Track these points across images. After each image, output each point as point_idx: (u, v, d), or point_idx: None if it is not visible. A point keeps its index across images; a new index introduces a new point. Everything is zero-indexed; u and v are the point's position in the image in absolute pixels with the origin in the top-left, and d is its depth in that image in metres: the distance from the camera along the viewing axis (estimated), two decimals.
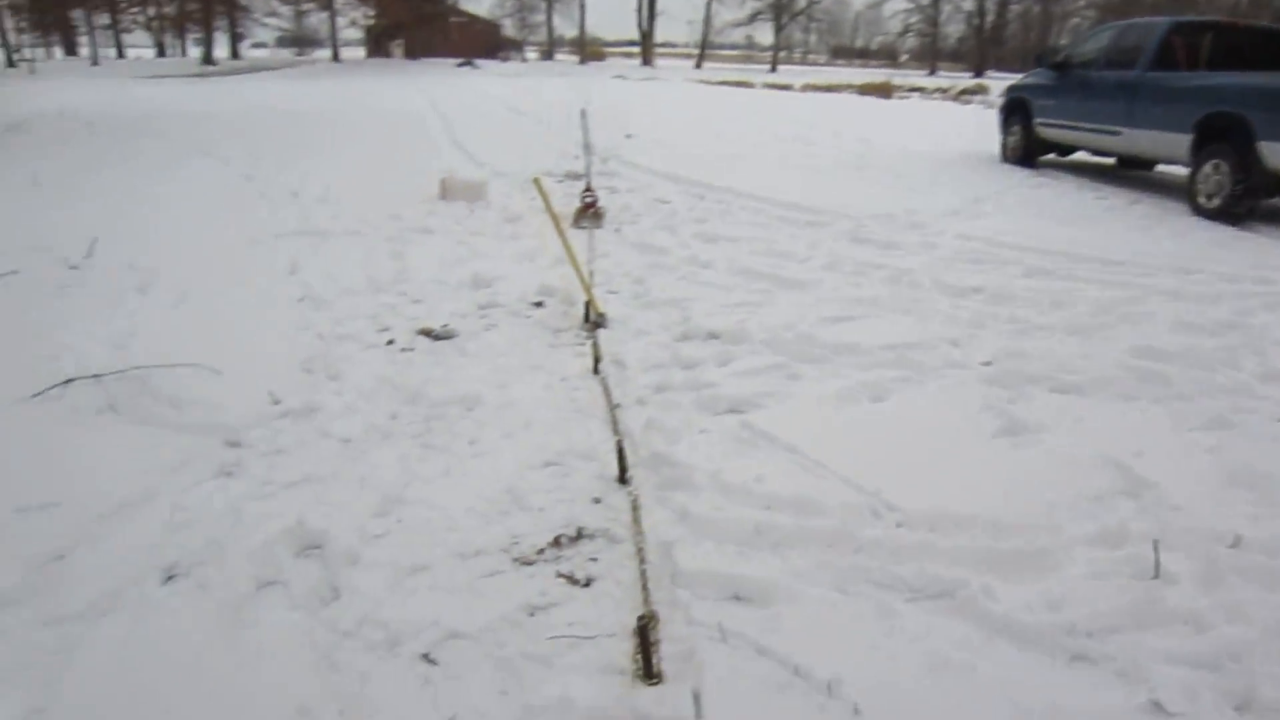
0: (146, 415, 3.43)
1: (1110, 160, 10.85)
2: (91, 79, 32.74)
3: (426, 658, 2.14)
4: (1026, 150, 11.10)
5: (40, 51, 62.11)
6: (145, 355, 3.95)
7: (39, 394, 3.56)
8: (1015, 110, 11.42)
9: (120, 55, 60.62)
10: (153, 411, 3.46)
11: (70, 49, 63.37)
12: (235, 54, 59.16)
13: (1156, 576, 2.51)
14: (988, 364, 4.11)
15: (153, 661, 2.07)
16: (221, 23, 56.38)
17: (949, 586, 2.46)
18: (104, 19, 59.68)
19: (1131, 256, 6.20)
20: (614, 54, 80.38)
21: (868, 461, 3.11)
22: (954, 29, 74.60)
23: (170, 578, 2.41)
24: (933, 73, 65.33)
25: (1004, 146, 11.67)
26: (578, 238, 6.34)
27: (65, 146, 11.34)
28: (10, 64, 44.16)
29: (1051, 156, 11.28)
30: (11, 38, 47.19)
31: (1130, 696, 2.08)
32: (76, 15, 58.39)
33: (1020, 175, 10.39)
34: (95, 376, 3.70)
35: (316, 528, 2.62)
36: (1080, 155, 10.97)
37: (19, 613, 2.24)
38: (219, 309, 4.71)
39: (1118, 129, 9.22)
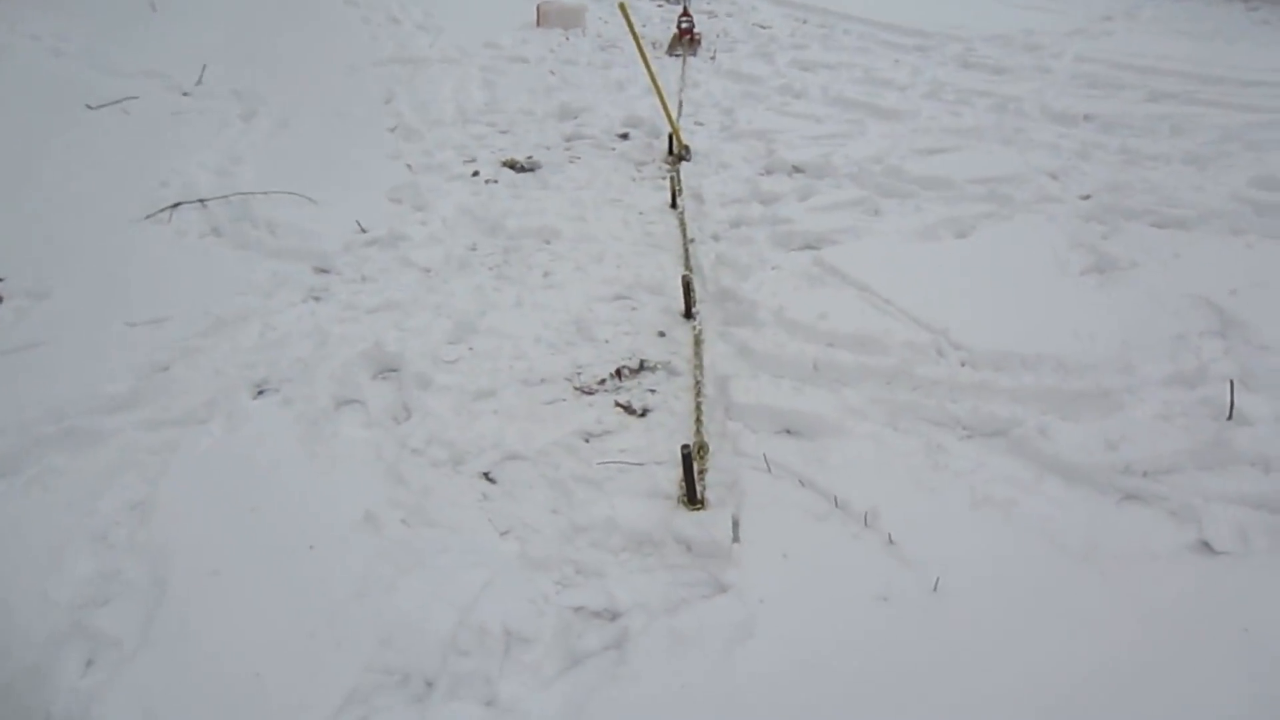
0: (246, 239, 3.63)
1: None
2: None
3: (486, 476, 2.30)
4: None
5: None
6: (247, 182, 4.14)
7: (150, 216, 3.81)
8: None
9: None
10: (251, 236, 3.65)
11: None
12: None
13: (1230, 418, 2.45)
14: (1086, 198, 3.91)
15: (240, 466, 2.30)
16: None
17: (1004, 425, 2.47)
18: None
19: (1272, 76, 5.61)
20: None
21: (939, 300, 3.06)
22: None
23: (260, 393, 2.63)
24: None
25: None
26: (672, 66, 6.20)
27: None
28: None
29: None
30: None
31: (1178, 535, 2.10)
32: None
33: None
34: (201, 201, 3.93)
35: (393, 352, 2.78)
36: None
37: (128, 416, 2.50)
38: (316, 138, 4.84)
39: None
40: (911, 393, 2.63)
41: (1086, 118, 4.94)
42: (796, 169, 4.28)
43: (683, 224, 3.71)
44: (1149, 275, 3.24)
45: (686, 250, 3.48)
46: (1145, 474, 2.28)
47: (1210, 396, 2.53)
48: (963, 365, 2.76)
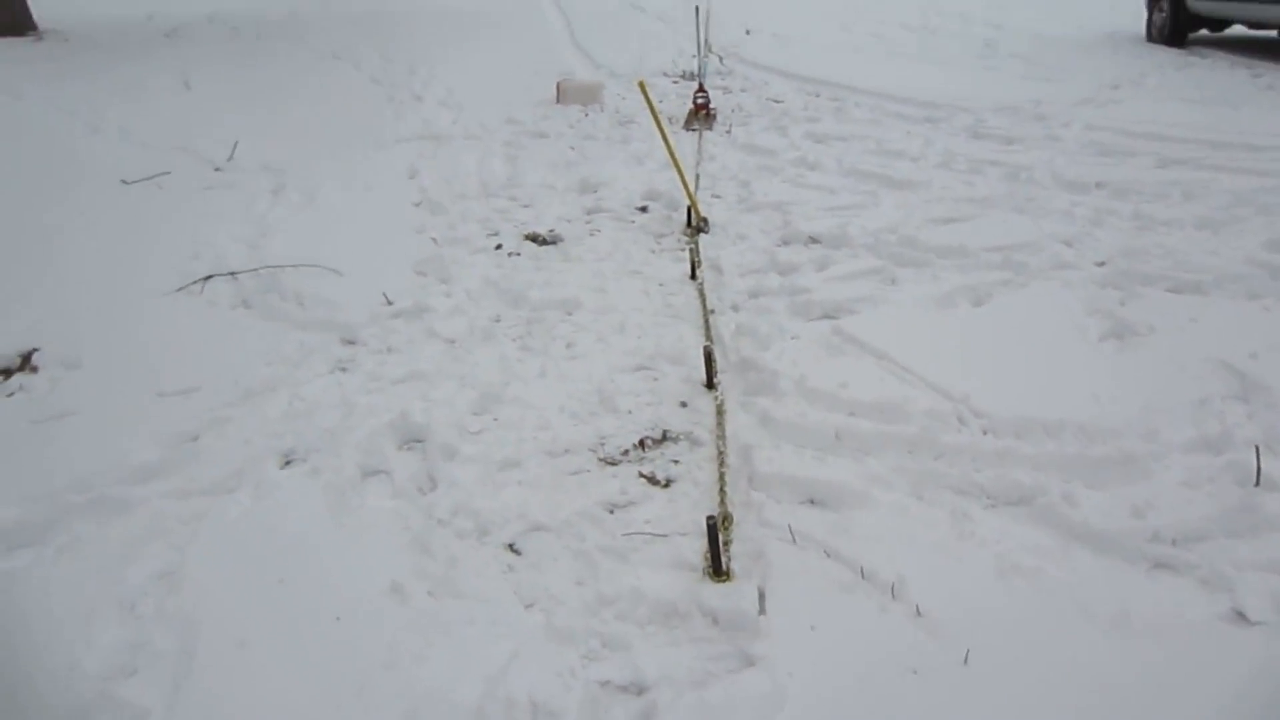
0: (274, 311, 3.71)
1: (1272, 34, 9.86)
2: None
3: (511, 547, 2.31)
4: (1175, 27, 10.23)
5: None
6: (276, 254, 4.23)
7: (182, 288, 3.91)
8: None
9: None
10: (280, 308, 3.73)
11: None
12: None
13: (1257, 484, 2.44)
14: (1101, 264, 3.95)
15: (267, 536, 2.32)
16: None
17: (1028, 493, 2.47)
18: None
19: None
20: None
21: (959, 367, 3.08)
22: None
23: (287, 462, 2.66)
24: None
25: (1149, 25, 10.78)
26: (688, 140, 6.34)
27: (214, 50, 11.86)
28: None
29: (1203, 33, 10.40)
30: None
31: (1211, 605, 2.08)
32: None
33: (1166, 56, 9.60)
34: (231, 274, 4.02)
35: (419, 422, 2.82)
36: (1236, 29, 10.02)
37: (157, 485, 2.53)
38: (343, 212, 4.96)
39: None
40: (934, 461, 2.64)
41: (1098, 185, 5.01)
42: (813, 239, 4.34)
43: (702, 295, 3.76)
44: (1168, 340, 3.25)
45: (707, 321, 3.52)
46: (1174, 542, 2.27)
47: (1236, 462, 2.53)
48: (985, 433, 2.76)
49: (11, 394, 3.09)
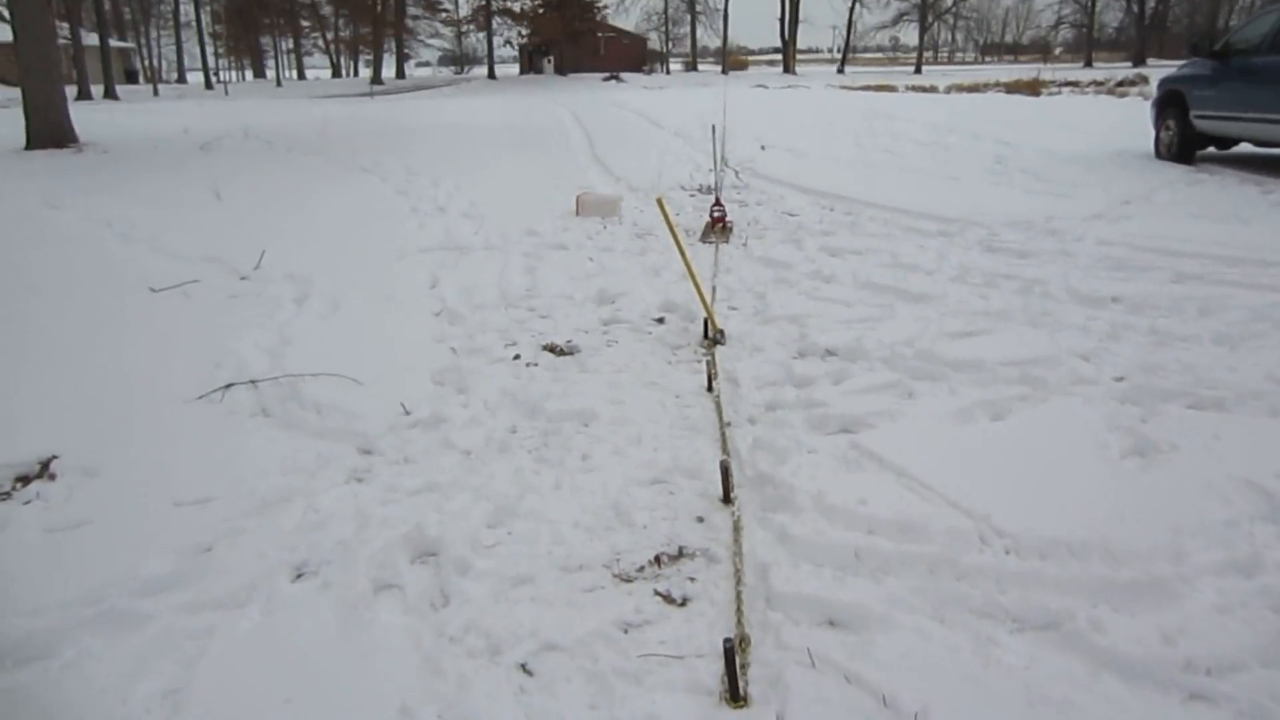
0: (293, 420, 3.73)
1: (1279, 151, 10.08)
2: (275, 99, 35.39)
3: (523, 668, 2.26)
4: (1183, 145, 10.49)
5: (233, 74, 67.82)
6: (297, 363, 4.29)
7: (203, 396, 3.94)
8: (1169, 104, 10.86)
9: (301, 76, 65.10)
10: (299, 417, 3.76)
11: (259, 71, 68.60)
12: (400, 73, 62.44)
13: None
14: (1120, 379, 3.93)
15: (277, 653, 2.27)
16: (389, 44, 59.71)
17: (1055, 618, 2.39)
18: (288, 44, 64.44)
19: None
20: (757, 62, 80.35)
21: (979, 484, 3.04)
22: (1111, 17, 70.99)
23: (299, 575, 2.63)
24: (1088, 65, 62.31)
25: (1158, 142, 11.06)
26: (705, 252, 6.46)
27: (246, 162, 12.34)
28: (208, 86, 48.34)
29: (1211, 151, 10.66)
30: (211, 61, 51.64)
31: None
32: (265, 41, 63.44)
33: (1175, 172, 9.79)
34: (252, 382, 4.06)
35: (433, 535, 2.79)
36: (1244, 147, 10.26)
37: (168, 598, 2.50)
38: (364, 321, 5.05)
39: None
40: (956, 583, 2.58)
41: (1114, 299, 5.04)
42: (829, 352, 4.37)
43: (719, 407, 3.77)
44: (1192, 459, 3.21)
45: (723, 434, 3.51)
46: (1209, 671, 2.19)
47: (1269, 586, 2.46)
48: (1008, 553, 2.71)
49: (28, 501, 3.10)
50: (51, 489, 3.17)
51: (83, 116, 17.01)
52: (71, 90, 26.83)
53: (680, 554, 2.77)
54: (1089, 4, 69.08)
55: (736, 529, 2.85)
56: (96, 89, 38.25)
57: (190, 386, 4.02)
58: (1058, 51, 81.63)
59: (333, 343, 4.65)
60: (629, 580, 2.63)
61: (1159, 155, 10.95)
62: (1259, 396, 3.64)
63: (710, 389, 4.01)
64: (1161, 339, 4.40)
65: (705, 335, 4.65)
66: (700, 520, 2.96)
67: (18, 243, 7.17)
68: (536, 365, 4.37)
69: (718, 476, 3.10)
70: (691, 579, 2.64)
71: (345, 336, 4.76)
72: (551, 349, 4.56)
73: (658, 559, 2.74)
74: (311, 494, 3.10)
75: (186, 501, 3.04)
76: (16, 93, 15.09)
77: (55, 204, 8.84)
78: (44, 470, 3.29)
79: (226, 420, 3.74)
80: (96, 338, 4.78)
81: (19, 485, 3.22)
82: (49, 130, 14.00)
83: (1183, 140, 10.50)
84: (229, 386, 4.01)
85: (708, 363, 4.23)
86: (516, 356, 4.47)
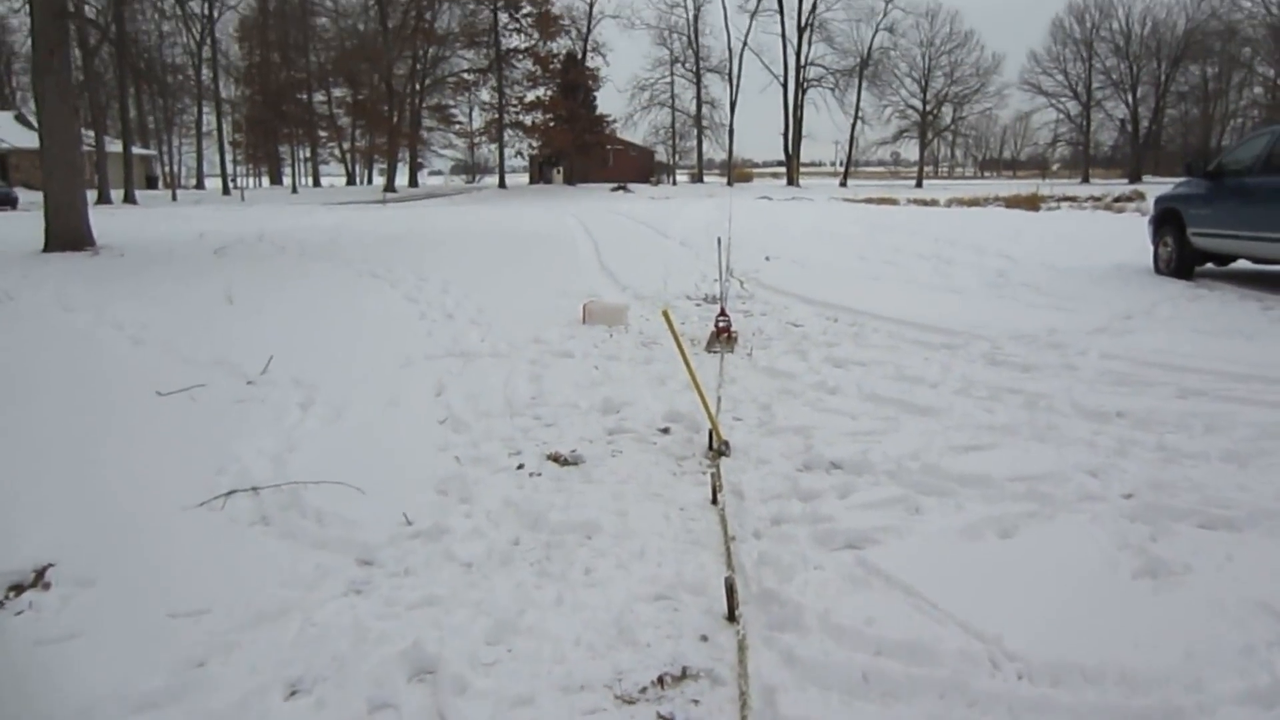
0: (293, 529, 3.69)
1: (1277, 268, 10.25)
2: (290, 205, 36.29)
3: None
4: (1181, 261, 10.69)
5: (250, 180, 69.87)
6: (300, 470, 4.27)
7: (204, 503, 3.91)
8: (1166, 221, 11.14)
9: (316, 183, 66.93)
10: (299, 526, 3.72)
11: (275, 178, 70.61)
12: (414, 181, 64.17)
13: None
14: (1128, 497, 3.90)
15: None
16: (404, 154, 61.59)
17: None
18: (305, 152, 66.57)
19: None
20: (761, 174, 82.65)
21: (989, 604, 2.99)
22: (1106, 136, 73.31)
23: (293, 693, 2.57)
24: (1085, 181, 64.03)
25: (1157, 258, 11.28)
26: (710, 362, 6.50)
27: (259, 267, 12.57)
28: (226, 191, 49.70)
29: (1209, 266, 10.84)
30: (229, 168, 53.25)
31: None
32: (283, 150, 65.58)
33: (1175, 287, 9.91)
34: (254, 489, 4.04)
35: (431, 652, 2.73)
36: (1242, 264, 10.43)
37: (157, 715, 2.43)
38: (369, 428, 5.05)
39: None
40: (967, 709, 2.50)
41: (1119, 414, 5.03)
42: (835, 465, 4.35)
43: (724, 521, 3.73)
44: (1204, 580, 3.15)
45: (728, 548, 3.47)
46: None
47: None
48: (1020, 678, 2.64)
49: (20, 612, 3.05)
50: (45, 599, 3.12)
51: (101, 220, 17.44)
52: (92, 194, 27.60)
53: (684, 675, 2.70)
54: (1084, 123, 71.41)
55: (741, 649, 2.78)
56: (116, 193, 39.31)
57: (192, 493, 4.00)
58: (1055, 167, 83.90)
59: (336, 449, 4.64)
60: (631, 702, 2.56)
61: (1158, 270, 11.13)
62: (1271, 516, 3.60)
63: (715, 502, 3.97)
64: (1169, 456, 4.38)
65: (710, 446, 4.64)
66: (704, 639, 2.89)
67: (29, 344, 7.26)
68: (540, 475, 4.35)
69: (722, 593, 3.05)
70: (695, 701, 2.57)
71: (349, 443, 4.76)
72: (556, 458, 4.55)
73: (661, 680, 2.67)
74: (309, 607, 3.05)
75: (182, 613, 2.99)
76: (39, 196, 15.50)
77: (68, 305, 8.97)
78: (39, 579, 3.25)
79: (226, 528, 3.71)
80: (101, 441, 4.78)
81: (12, 595, 3.17)
82: (68, 233, 14.34)
83: (1181, 256, 10.70)
84: (230, 493, 3.98)
85: (712, 475, 4.21)
86: (520, 466, 4.45)
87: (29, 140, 34.23)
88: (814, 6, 64.28)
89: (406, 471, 4.34)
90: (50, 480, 4.22)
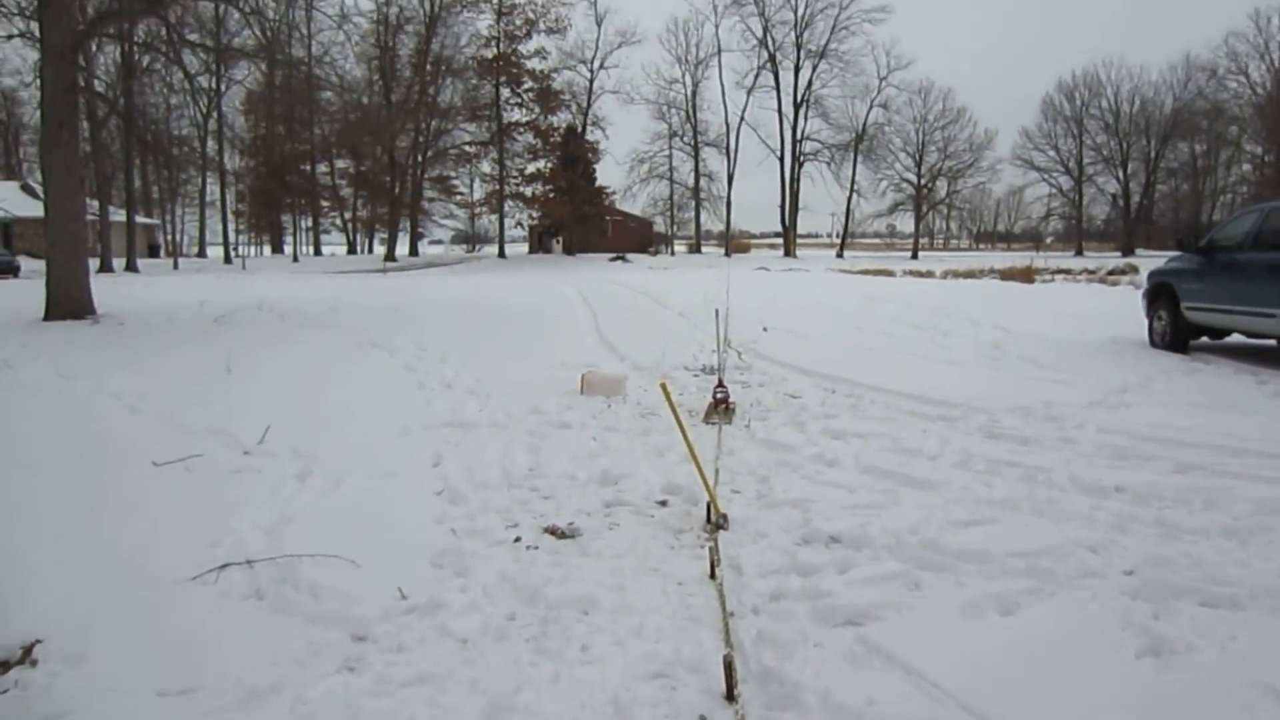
0: (287, 604, 3.65)
1: (1271, 343, 10.32)
2: (291, 274, 36.61)
3: None
4: (1175, 335, 10.78)
5: (252, 249, 70.58)
6: (295, 543, 4.23)
7: (197, 576, 3.87)
8: (1160, 295, 11.27)
9: (317, 252, 67.56)
10: (293, 600, 3.67)
11: (277, 247, 71.30)
12: (414, 251, 64.82)
13: None
14: (1129, 573, 3.87)
15: None
16: (404, 223, 62.34)
17: None
18: (307, 222, 67.41)
19: None
20: (759, 245, 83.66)
21: (991, 684, 2.95)
22: (1099, 210, 74.65)
23: None
24: (1079, 253, 64.91)
25: (1151, 331, 11.37)
26: (708, 434, 6.50)
27: (259, 336, 12.62)
28: (227, 260, 50.15)
29: (1204, 340, 10.92)
30: (231, 237, 53.84)
31: None
32: (285, 219, 66.43)
33: (1170, 361, 9.97)
34: (248, 562, 4.00)
35: None
36: (1236, 337, 10.51)
37: None
38: (365, 499, 5.02)
39: (1273, 311, 9.03)
40: None
41: (1118, 489, 5.03)
42: (833, 539, 4.32)
43: (722, 597, 3.69)
44: (1208, 661, 3.12)
45: (726, 625, 3.42)
46: None
47: None
48: None
49: (5, 691, 2.99)
50: (32, 676, 3.07)
51: (103, 288, 17.58)
52: (94, 263, 27.84)
53: None
54: (1077, 198, 72.66)
55: None
56: (119, 261, 39.64)
57: (185, 566, 3.96)
58: (1049, 240, 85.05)
59: (332, 521, 4.61)
60: None
61: (1153, 344, 11.21)
62: (1273, 595, 3.57)
63: (713, 576, 3.94)
64: (1169, 531, 4.36)
65: (708, 519, 4.61)
66: (702, 719, 2.84)
67: (26, 413, 7.25)
68: (537, 548, 4.31)
69: (721, 672, 3.00)
70: None
71: (345, 515, 4.73)
72: (553, 532, 4.52)
73: None
74: (301, 684, 3.00)
75: (171, 691, 2.94)
76: (42, 264, 15.65)
77: (67, 374, 8.99)
78: (26, 656, 3.19)
79: (219, 603, 3.66)
80: (95, 513, 4.75)
81: None
82: (69, 302, 14.44)
83: (1176, 330, 10.78)
84: (224, 567, 3.95)
85: (710, 549, 4.18)
86: (517, 539, 4.42)
87: (34, 209, 34.68)
88: (809, 83, 65.94)
89: (402, 544, 4.31)
90: (42, 553, 4.18)
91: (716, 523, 4.55)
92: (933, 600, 3.65)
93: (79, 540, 4.33)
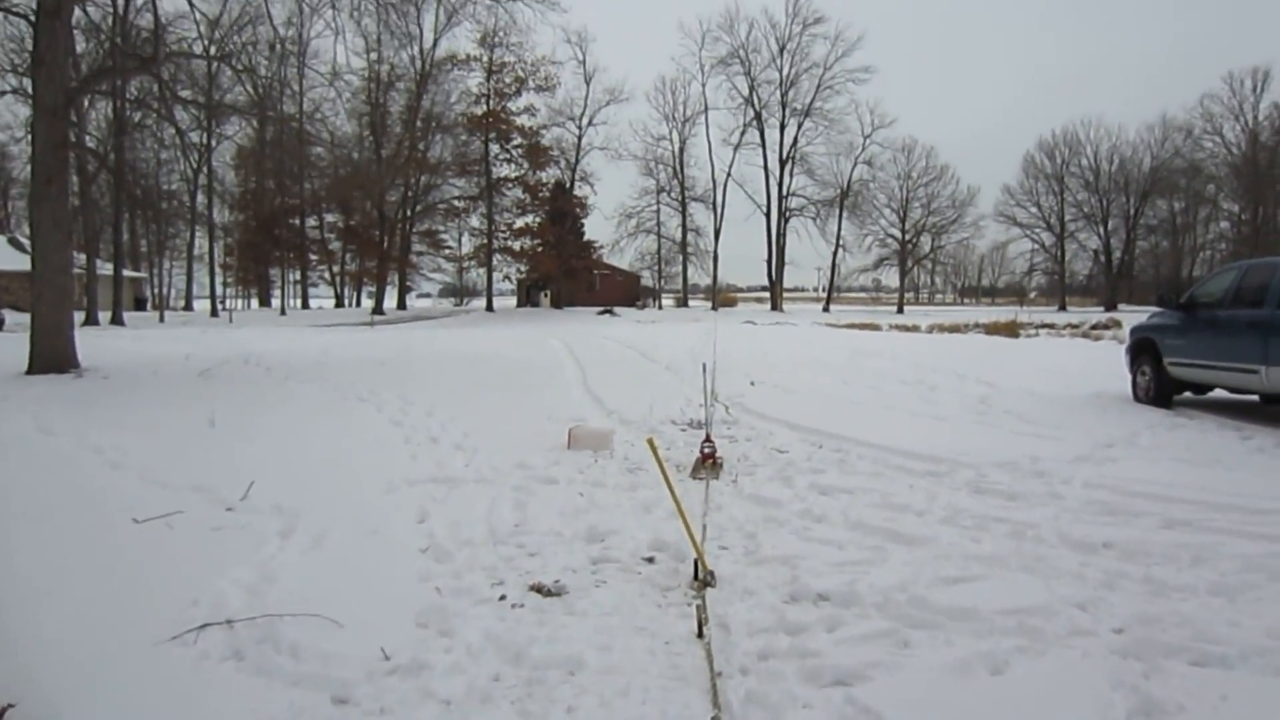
0: (266, 665, 3.58)
1: (1253, 397, 10.42)
2: (278, 327, 36.54)
3: None
4: (1159, 390, 10.89)
5: (239, 302, 70.58)
6: (276, 601, 4.17)
7: (176, 637, 3.80)
8: (1143, 350, 11.41)
9: (305, 305, 67.60)
10: (273, 661, 3.61)
11: (264, 300, 71.34)
12: (402, 304, 64.93)
13: None
14: (1119, 632, 3.86)
15: None
16: (392, 276, 62.53)
17: None
18: (295, 275, 67.58)
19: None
20: (745, 298, 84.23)
21: None
22: (1081, 265, 75.74)
23: None
24: (1062, 308, 65.65)
25: (1135, 386, 11.47)
26: (695, 489, 6.47)
27: (244, 390, 12.53)
28: (214, 313, 50.06)
29: (1188, 395, 11.01)
30: (218, 290, 53.84)
31: None
32: (273, 272, 66.60)
33: (1155, 416, 10.03)
34: (228, 622, 3.93)
35: None
36: (1219, 392, 10.60)
37: None
38: (349, 557, 4.96)
39: (1255, 367, 9.14)
40: None
41: (1105, 545, 5.03)
42: (822, 597, 4.29)
43: (709, 656, 3.65)
44: None
45: (714, 686, 3.38)
46: None
47: None
48: None
49: None
50: None
51: (87, 342, 17.48)
52: (79, 316, 27.78)
53: None
54: (1059, 253, 73.69)
55: None
56: (104, 314, 39.53)
57: (163, 626, 3.88)
58: (1032, 295, 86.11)
59: (315, 580, 4.55)
60: None
61: (1137, 399, 11.29)
62: (1262, 654, 3.56)
63: (701, 635, 3.89)
64: (1157, 589, 4.35)
65: (695, 577, 4.57)
66: None
67: (5, 469, 7.15)
68: (523, 606, 4.26)
69: None
70: None
71: (328, 573, 4.67)
72: (539, 589, 4.47)
73: None
74: None
75: None
76: (27, 317, 15.58)
77: (48, 429, 8.89)
78: None
79: (198, 664, 3.59)
80: (72, 571, 4.67)
81: None
82: (52, 355, 14.34)
83: (1159, 385, 10.88)
84: (204, 627, 3.88)
85: (698, 607, 4.14)
86: (503, 597, 4.37)
87: (20, 263, 34.70)
88: (795, 141, 67.04)
89: (386, 602, 4.25)
90: (17, 612, 4.10)
91: (704, 580, 4.51)
92: (922, 659, 3.62)
93: (55, 599, 4.25)
